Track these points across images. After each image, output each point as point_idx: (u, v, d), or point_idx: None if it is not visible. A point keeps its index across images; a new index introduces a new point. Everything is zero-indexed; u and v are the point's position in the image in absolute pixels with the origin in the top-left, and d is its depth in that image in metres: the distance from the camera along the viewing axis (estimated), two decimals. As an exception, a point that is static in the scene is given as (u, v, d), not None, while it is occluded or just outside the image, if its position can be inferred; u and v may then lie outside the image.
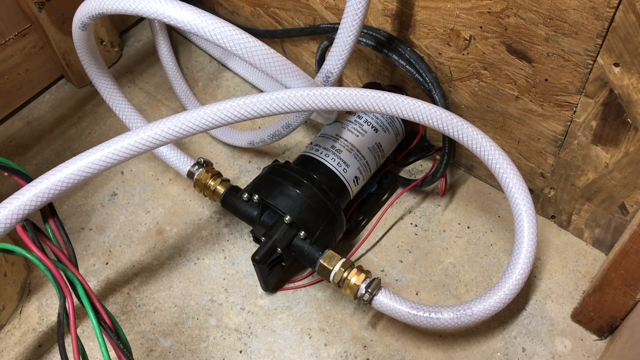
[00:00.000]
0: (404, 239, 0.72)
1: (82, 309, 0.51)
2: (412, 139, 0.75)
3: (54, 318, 0.68)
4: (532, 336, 0.64)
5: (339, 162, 0.67)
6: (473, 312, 0.57)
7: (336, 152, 0.68)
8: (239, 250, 0.73)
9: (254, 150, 0.82)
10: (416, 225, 0.73)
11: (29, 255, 0.49)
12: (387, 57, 0.66)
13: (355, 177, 0.68)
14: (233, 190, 0.68)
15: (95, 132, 0.86)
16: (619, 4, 0.47)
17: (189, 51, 0.95)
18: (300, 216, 0.62)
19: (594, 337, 0.64)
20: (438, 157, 0.71)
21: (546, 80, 0.58)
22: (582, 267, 0.69)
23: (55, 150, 0.84)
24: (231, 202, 0.67)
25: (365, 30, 0.67)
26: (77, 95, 0.91)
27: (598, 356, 0.62)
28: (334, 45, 0.60)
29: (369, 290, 0.58)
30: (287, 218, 0.62)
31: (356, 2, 0.56)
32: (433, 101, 0.65)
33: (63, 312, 0.49)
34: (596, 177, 0.62)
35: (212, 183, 0.69)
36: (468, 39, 0.60)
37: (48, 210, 0.52)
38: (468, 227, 0.73)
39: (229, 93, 0.90)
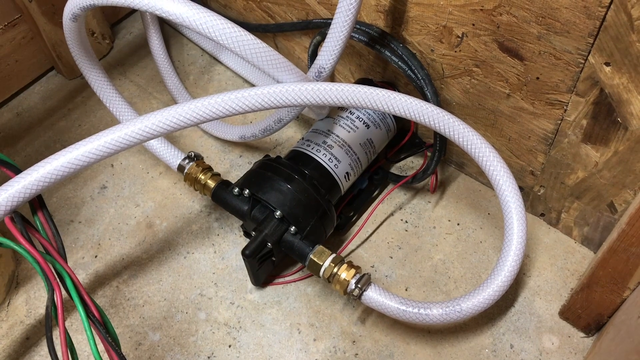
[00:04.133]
0: (394, 235, 0.72)
1: (70, 302, 0.51)
2: (403, 136, 0.75)
3: (42, 311, 0.68)
4: (520, 333, 0.64)
5: (330, 158, 0.67)
6: (462, 308, 0.57)
7: (328, 148, 0.68)
8: (229, 244, 0.73)
9: (245, 145, 0.82)
10: (406, 222, 0.74)
11: (17, 248, 0.48)
12: (380, 53, 0.66)
13: (347, 172, 0.68)
14: (224, 185, 0.68)
15: (86, 124, 0.85)
16: (610, 3, 0.47)
17: (181, 44, 0.95)
18: (291, 211, 0.62)
19: (581, 334, 0.64)
20: (429, 154, 0.71)
21: (537, 78, 0.58)
22: (570, 265, 0.69)
23: (44, 142, 0.83)
24: (222, 196, 0.67)
25: (358, 26, 0.67)
26: (67, 87, 0.90)
27: (585, 353, 0.63)
28: (326, 40, 0.60)
29: (359, 285, 0.58)
30: (278, 213, 0.62)
31: (349, -2, 0.56)
32: (425, 98, 0.65)
33: (51, 305, 0.48)
34: (586, 176, 0.62)
35: (203, 177, 0.68)
36: (460, 36, 0.60)
37: (37, 202, 0.52)
38: (458, 224, 0.73)
39: (220, 87, 0.89)
